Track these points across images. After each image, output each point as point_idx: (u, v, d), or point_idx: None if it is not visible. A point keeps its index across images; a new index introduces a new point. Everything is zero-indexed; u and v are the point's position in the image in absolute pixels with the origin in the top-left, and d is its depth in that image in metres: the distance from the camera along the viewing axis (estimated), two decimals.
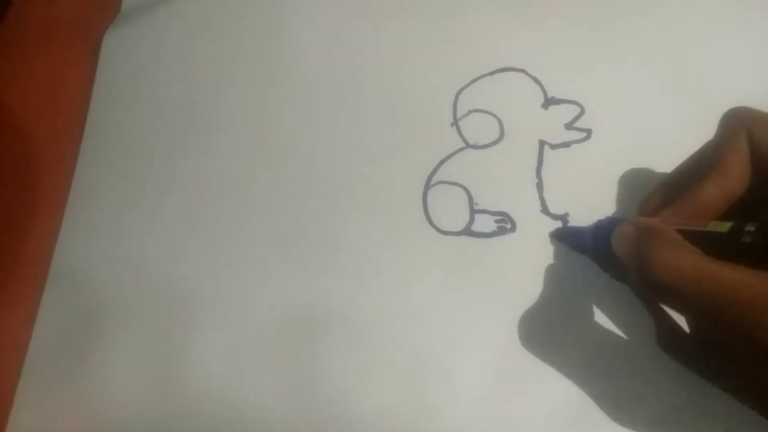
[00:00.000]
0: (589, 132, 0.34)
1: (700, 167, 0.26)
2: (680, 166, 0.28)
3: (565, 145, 0.34)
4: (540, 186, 0.33)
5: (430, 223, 0.33)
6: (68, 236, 0.36)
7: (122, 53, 0.40)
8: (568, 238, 0.32)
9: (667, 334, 0.28)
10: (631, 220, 0.26)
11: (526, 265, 0.32)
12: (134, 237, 0.35)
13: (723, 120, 0.25)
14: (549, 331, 0.30)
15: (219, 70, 0.39)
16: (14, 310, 0.35)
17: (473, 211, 0.33)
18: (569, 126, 0.34)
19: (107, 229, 0.36)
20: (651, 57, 0.35)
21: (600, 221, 0.30)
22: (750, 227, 0.22)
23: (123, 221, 0.36)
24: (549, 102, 0.35)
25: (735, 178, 0.24)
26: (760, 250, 0.22)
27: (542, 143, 0.34)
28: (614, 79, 0.35)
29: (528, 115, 0.34)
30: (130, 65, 0.39)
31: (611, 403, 0.29)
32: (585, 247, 0.31)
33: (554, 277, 0.31)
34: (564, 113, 0.34)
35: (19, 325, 0.34)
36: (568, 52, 0.36)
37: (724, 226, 0.23)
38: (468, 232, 0.33)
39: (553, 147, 0.34)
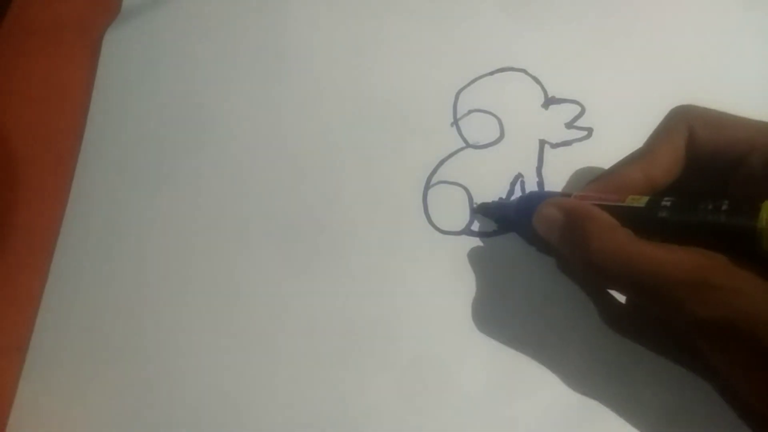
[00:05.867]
0: (589, 131, 0.34)
1: (633, 156, 0.27)
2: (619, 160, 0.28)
3: (566, 144, 0.34)
4: (541, 185, 0.33)
5: (430, 222, 0.33)
6: (68, 236, 0.36)
7: (122, 53, 0.40)
8: (492, 212, 0.32)
9: (608, 311, 0.28)
10: (553, 201, 0.27)
11: (526, 264, 0.32)
12: (134, 237, 0.35)
13: (667, 115, 0.26)
14: (549, 331, 0.30)
15: (219, 70, 0.39)
16: (14, 310, 0.35)
17: (473, 211, 0.33)
18: (570, 125, 0.34)
19: (107, 229, 0.36)
20: (651, 56, 0.35)
21: (522, 197, 0.30)
22: (666, 202, 0.23)
23: (123, 221, 0.36)
24: (549, 102, 0.35)
25: (661, 167, 0.26)
26: (676, 225, 0.23)
27: (542, 142, 0.34)
28: (615, 78, 0.35)
29: (528, 115, 0.34)
30: (130, 65, 0.39)
31: (611, 403, 0.29)
32: (510, 222, 0.31)
33: (555, 276, 0.31)
34: (564, 113, 0.34)
35: (19, 325, 0.34)
36: (568, 51, 0.36)
37: (642, 201, 0.24)
38: (468, 231, 0.33)
39: (554, 146, 0.34)
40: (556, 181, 0.33)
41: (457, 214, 0.33)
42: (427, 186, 0.34)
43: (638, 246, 0.23)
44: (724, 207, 0.22)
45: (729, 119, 0.25)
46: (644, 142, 0.27)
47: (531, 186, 0.33)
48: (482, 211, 0.33)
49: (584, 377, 0.29)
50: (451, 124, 0.35)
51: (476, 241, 0.32)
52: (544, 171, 0.33)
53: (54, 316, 0.34)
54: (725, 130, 0.25)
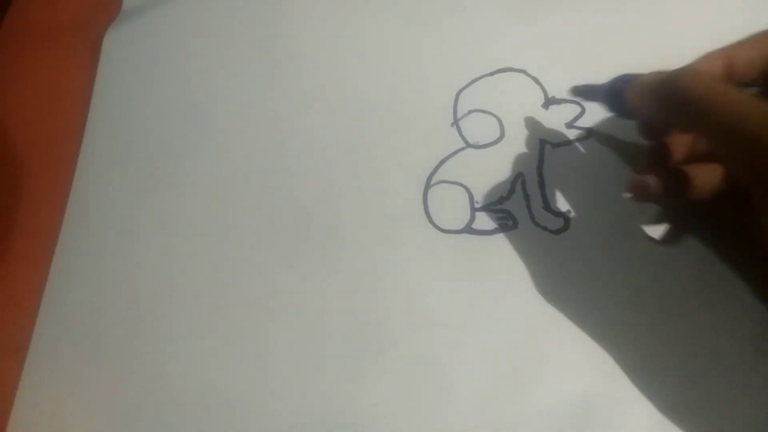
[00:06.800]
0: (590, 131, 0.34)
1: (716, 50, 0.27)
2: None
3: (566, 143, 0.34)
4: (542, 184, 0.33)
5: (431, 222, 0.33)
6: (68, 236, 0.36)
7: (122, 53, 0.40)
8: (582, 93, 0.32)
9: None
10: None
11: (527, 261, 0.32)
12: (134, 237, 0.35)
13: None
14: (549, 330, 0.30)
15: (219, 69, 0.39)
16: (14, 310, 0.35)
17: (474, 209, 0.33)
18: (570, 125, 0.34)
19: (107, 229, 0.36)
20: (651, 57, 0.35)
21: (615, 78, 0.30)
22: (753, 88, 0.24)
23: (123, 221, 0.36)
24: (549, 102, 0.35)
25: (741, 61, 0.26)
26: None
27: (543, 142, 0.34)
28: None
29: (528, 115, 0.34)
30: (130, 65, 0.40)
31: (612, 403, 0.29)
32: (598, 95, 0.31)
33: (556, 273, 0.31)
34: (564, 113, 0.34)
35: (19, 325, 0.34)
36: (568, 52, 0.36)
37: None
38: (469, 230, 0.33)
39: (554, 146, 0.34)
40: (557, 181, 0.33)
41: (458, 213, 0.33)
42: (428, 186, 0.34)
43: (729, 87, 0.23)
44: None
45: None
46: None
47: (531, 186, 0.33)
48: (579, 93, 0.32)
49: (585, 377, 0.29)
50: (451, 124, 0.35)
51: (477, 240, 0.32)
52: (545, 169, 0.33)
53: (54, 316, 0.34)
54: None
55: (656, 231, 0.31)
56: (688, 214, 0.30)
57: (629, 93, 0.28)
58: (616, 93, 0.29)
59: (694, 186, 0.28)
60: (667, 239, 0.31)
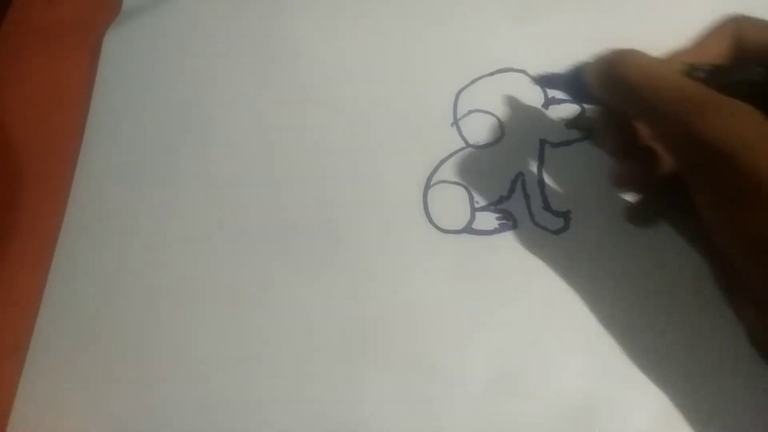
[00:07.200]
0: (590, 131, 0.34)
1: (681, 48, 0.28)
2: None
3: (566, 143, 0.34)
4: (542, 184, 0.33)
5: (431, 222, 0.33)
6: (68, 236, 0.36)
7: (122, 53, 0.40)
8: (547, 81, 0.32)
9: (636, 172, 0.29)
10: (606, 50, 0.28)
11: (527, 262, 0.32)
12: (134, 237, 0.35)
13: (716, 20, 0.27)
14: (551, 329, 0.30)
15: (219, 69, 0.39)
16: (14, 310, 0.35)
17: (474, 209, 0.33)
18: (570, 125, 0.34)
19: (107, 229, 0.36)
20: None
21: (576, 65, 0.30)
22: (704, 67, 0.25)
23: (123, 221, 0.36)
24: (549, 102, 0.35)
25: (709, 56, 0.26)
26: (712, 86, 0.23)
27: (543, 142, 0.34)
28: None
29: (528, 115, 0.34)
30: (130, 65, 0.40)
31: (611, 403, 0.29)
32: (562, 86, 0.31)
33: (556, 273, 0.31)
34: (564, 113, 0.34)
35: (19, 325, 0.34)
36: (568, 52, 0.36)
37: (682, 66, 0.25)
38: (469, 230, 0.33)
39: (554, 146, 0.34)
40: (557, 181, 0.33)
41: (458, 213, 0.33)
42: (428, 186, 0.34)
43: (668, 68, 0.25)
44: (758, 69, 0.23)
45: None
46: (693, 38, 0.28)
47: (531, 186, 0.33)
48: (542, 81, 0.33)
49: (585, 376, 0.29)
50: (451, 124, 0.35)
51: (477, 240, 0.32)
52: (544, 169, 0.33)
53: (54, 316, 0.34)
54: None
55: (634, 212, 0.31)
56: (661, 195, 0.30)
57: (586, 80, 0.28)
58: (575, 80, 0.29)
59: (663, 163, 0.28)
60: (641, 218, 0.31)
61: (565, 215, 0.32)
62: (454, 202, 0.33)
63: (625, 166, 0.29)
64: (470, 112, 0.35)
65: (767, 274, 0.23)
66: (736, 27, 0.26)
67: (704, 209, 0.24)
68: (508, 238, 0.32)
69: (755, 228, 0.22)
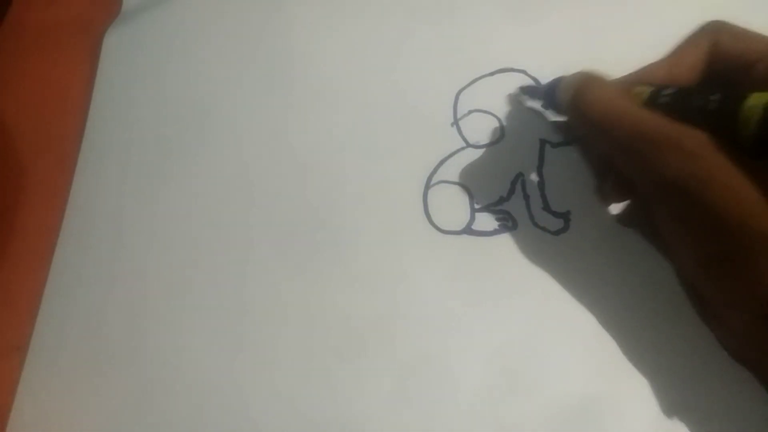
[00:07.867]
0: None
1: (661, 58, 0.28)
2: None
3: (566, 143, 0.34)
4: (541, 184, 0.33)
5: (431, 222, 0.33)
6: (68, 236, 0.36)
7: (123, 53, 0.40)
8: (531, 92, 0.34)
9: (609, 188, 0.31)
10: (576, 72, 0.29)
11: (527, 262, 0.32)
12: (134, 237, 0.35)
13: (697, 26, 0.28)
14: (550, 329, 0.30)
15: (219, 69, 0.39)
16: (14, 310, 0.35)
17: (474, 210, 0.33)
18: (570, 125, 0.34)
19: (107, 229, 0.36)
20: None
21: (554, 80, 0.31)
22: (667, 91, 0.25)
23: (123, 221, 0.36)
24: None
25: (683, 66, 0.27)
26: (673, 111, 0.24)
27: (543, 142, 0.34)
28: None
29: (528, 115, 0.34)
30: (131, 65, 0.40)
31: (612, 403, 0.29)
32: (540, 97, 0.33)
33: (556, 274, 0.31)
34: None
35: (19, 325, 0.34)
36: (568, 52, 0.36)
37: (647, 91, 0.26)
38: (469, 231, 0.33)
39: (554, 146, 0.34)
40: (557, 181, 0.33)
41: (458, 214, 0.33)
42: (428, 186, 0.34)
43: (628, 102, 0.25)
44: (715, 97, 0.24)
45: (752, 33, 0.26)
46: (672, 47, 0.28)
47: (531, 185, 0.33)
48: (525, 92, 0.34)
49: (585, 376, 0.29)
50: (451, 124, 0.35)
51: (477, 241, 0.32)
52: (544, 169, 0.33)
53: (54, 316, 0.34)
54: (745, 42, 0.26)
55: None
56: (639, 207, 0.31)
57: (559, 98, 0.29)
58: (552, 96, 0.30)
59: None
60: (626, 222, 0.31)
61: (565, 216, 0.32)
62: (454, 203, 0.33)
63: (605, 184, 0.31)
64: (470, 112, 0.35)
65: (718, 297, 0.25)
66: (714, 35, 0.27)
67: (665, 233, 0.26)
68: (508, 239, 0.32)
69: (706, 252, 0.24)
